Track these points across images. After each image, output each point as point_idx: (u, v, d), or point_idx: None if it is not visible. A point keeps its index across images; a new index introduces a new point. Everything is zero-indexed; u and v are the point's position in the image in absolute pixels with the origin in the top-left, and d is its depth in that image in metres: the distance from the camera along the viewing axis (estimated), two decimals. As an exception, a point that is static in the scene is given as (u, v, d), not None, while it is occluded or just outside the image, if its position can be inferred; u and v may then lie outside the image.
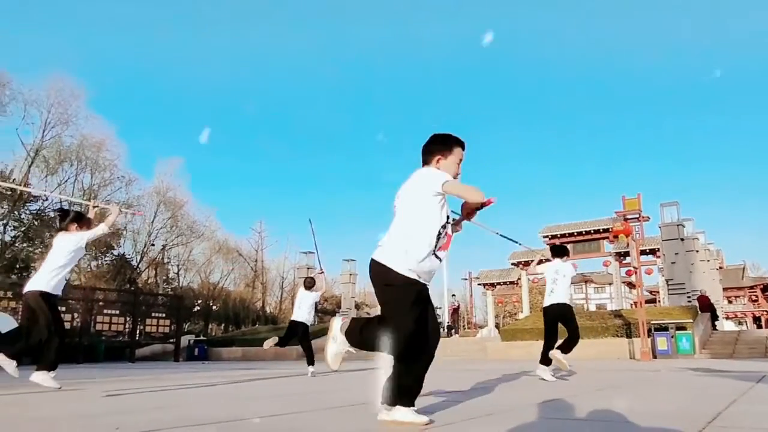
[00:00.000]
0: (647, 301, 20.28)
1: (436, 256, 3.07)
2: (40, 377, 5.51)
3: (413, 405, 3.06)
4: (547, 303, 7.46)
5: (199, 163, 70.97)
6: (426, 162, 3.22)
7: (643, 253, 23.34)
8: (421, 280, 3.05)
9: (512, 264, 33.86)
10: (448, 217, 3.10)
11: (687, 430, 2.67)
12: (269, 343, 9.81)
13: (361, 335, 3.17)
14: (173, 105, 73.24)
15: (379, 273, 3.04)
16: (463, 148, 3.25)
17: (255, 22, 72.59)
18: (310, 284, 10.39)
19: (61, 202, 28.53)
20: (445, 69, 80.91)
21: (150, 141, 64.42)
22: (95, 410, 4.34)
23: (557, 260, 7.62)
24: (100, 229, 5.56)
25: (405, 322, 3.01)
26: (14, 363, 5.40)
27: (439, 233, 3.05)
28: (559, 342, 7.25)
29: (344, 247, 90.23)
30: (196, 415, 3.77)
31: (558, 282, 7.42)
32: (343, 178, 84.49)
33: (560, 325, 7.34)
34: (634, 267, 18.21)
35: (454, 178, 3.15)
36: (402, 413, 3.01)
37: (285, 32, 74.18)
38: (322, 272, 11.20)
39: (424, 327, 3.06)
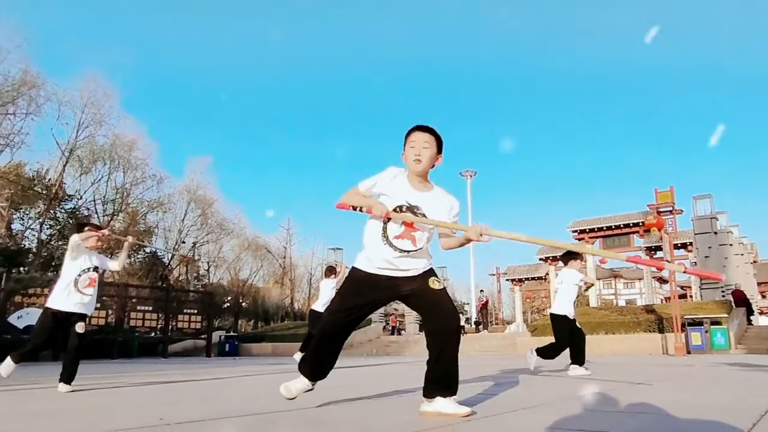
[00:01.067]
0: (678, 297, 19.87)
1: (393, 246, 3.15)
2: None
3: (454, 395, 3.05)
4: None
5: (228, 161, 71.87)
6: None
7: (674, 247, 22.89)
8: (383, 272, 3.18)
9: (540, 259, 33.55)
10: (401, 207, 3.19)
11: (741, 424, 2.60)
12: (299, 355, 9.91)
13: (306, 360, 3.39)
14: (202, 102, 74.11)
15: None
16: (419, 130, 3.26)
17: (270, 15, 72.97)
18: (328, 272, 10.52)
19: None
20: (473, 57, 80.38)
21: (180, 139, 65.40)
22: (137, 402, 4.43)
23: (563, 268, 7.63)
24: (73, 239, 5.54)
25: (331, 306, 3.42)
26: (13, 366, 5.36)
27: (384, 224, 3.18)
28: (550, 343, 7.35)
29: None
30: (234, 407, 3.81)
31: (558, 290, 7.52)
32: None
33: (569, 326, 7.34)
34: (666, 261, 17.87)
35: (414, 161, 3.21)
36: (442, 404, 3.00)
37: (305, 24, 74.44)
38: (347, 267, 11.24)
39: (432, 313, 3.13)
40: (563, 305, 7.31)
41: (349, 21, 75.74)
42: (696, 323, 16.95)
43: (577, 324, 7.31)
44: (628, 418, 2.99)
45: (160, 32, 68.67)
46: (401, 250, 3.14)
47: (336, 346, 3.33)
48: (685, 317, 17.17)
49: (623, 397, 3.89)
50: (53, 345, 5.44)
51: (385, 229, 3.17)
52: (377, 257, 3.18)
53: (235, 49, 75.54)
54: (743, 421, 2.66)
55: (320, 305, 10.21)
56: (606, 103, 79.55)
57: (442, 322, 3.08)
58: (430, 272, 3.24)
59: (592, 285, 7.39)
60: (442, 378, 3.04)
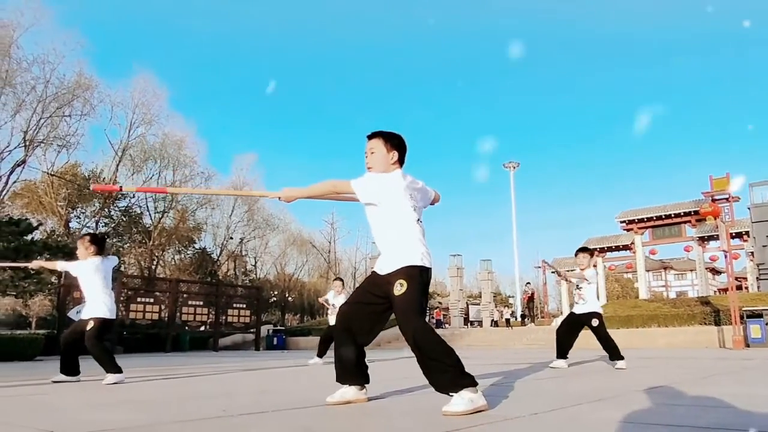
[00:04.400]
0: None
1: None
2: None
3: (451, 392, 2.84)
4: None
5: (272, 157, 72.87)
6: None
7: (730, 236, 22.05)
8: (376, 268, 3.25)
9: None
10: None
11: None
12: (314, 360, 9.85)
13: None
14: (248, 98, 75.28)
15: None
16: (367, 140, 3.36)
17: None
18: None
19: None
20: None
21: (225, 137, 66.61)
22: (198, 393, 4.52)
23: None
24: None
25: None
26: (62, 377, 5.71)
27: None
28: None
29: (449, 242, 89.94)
30: (293, 398, 3.84)
31: None
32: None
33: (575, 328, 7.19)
34: (723, 250, 17.23)
35: (367, 169, 3.31)
36: (451, 401, 2.80)
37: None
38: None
39: (398, 323, 3.03)
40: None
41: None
42: (755, 315, 16.26)
43: (593, 322, 6.89)
44: (701, 412, 2.87)
45: (202, 27, 70.01)
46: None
47: (348, 338, 3.22)
48: (743, 309, 16.51)
49: (689, 391, 3.76)
50: (78, 346, 5.78)
51: None
52: None
53: (277, 39, 76.35)
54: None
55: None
56: (656, 88, 76.93)
57: (404, 335, 2.98)
58: (400, 273, 3.04)
59: (577, 289, 7.16)
60: (434, 380, 2.94)
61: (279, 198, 3.36)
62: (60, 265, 6.30)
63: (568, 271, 8.23)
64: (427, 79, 79.92)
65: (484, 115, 79.53)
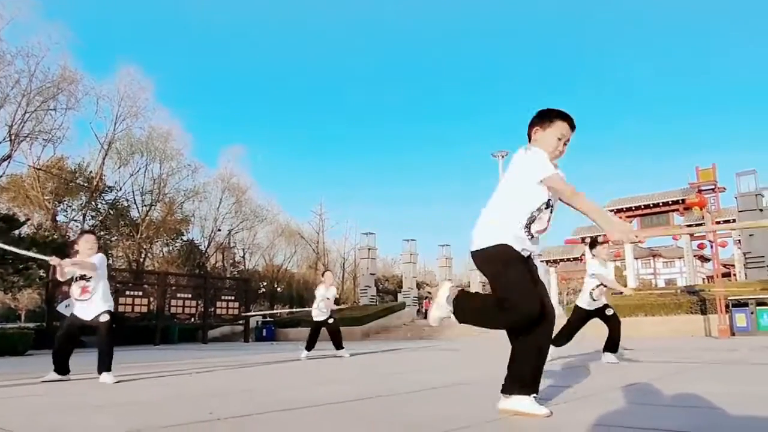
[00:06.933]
0: (721, 275, 19.31)
1: (530, 235, 2.93)
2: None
3: (533, 393, 2.86)
4: None
5: (260, 149, 72.52)
6: (528, 135, 3.10)
7: (717, 224, 22.26)
8: (525, 253, 2.95)
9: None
10: (549, 202, 2.95)
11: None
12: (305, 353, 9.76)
13: (471, 312, 3.07)
14: (235, 92, 74.79)
15: (485, 251, 2.95)
16: (569, 124, 3.03)
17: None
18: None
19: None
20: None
21: (212, 129, 66.19)
22: (185, 393, 4.55)
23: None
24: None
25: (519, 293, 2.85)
26: (56, 375, 5.71)
27: (533, 214, 2.92)
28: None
29: (404, 227, 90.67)
30: (282, 399, 3.88)
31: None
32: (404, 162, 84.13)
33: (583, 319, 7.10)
34: (709, 240, 17.44)
35: (556, 154, 3.00)
36: (517, 401, 2.84)
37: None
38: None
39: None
40: (581, 295, 7.19)
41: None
42: (740, 304, 16.49)
43: (607, 312, 6.93)
44: (677, 413, 2.94)
45: (185, 18, 69.34)
46: (533, 243, 2.98)
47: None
48: (729, 298, 16.72)
49: (670, 388, 3.83)
50: (74, 345, 5.87)
51: (531, 220, 2.92)
52: (518, 244, 2.90)
53: (260, 32, 75.73)
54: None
55: (315, 313, 10.02)
56: (638, 73, 77.17)
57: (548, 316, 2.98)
58: None
59: (602, 286, 6.98)
60: (524, 375, 2.88)
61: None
62: (89, 266, 5.79)
63: (578, 257, 7.98)
64: (415, 67, 79.59)
65: (471, 103, 79.50)
